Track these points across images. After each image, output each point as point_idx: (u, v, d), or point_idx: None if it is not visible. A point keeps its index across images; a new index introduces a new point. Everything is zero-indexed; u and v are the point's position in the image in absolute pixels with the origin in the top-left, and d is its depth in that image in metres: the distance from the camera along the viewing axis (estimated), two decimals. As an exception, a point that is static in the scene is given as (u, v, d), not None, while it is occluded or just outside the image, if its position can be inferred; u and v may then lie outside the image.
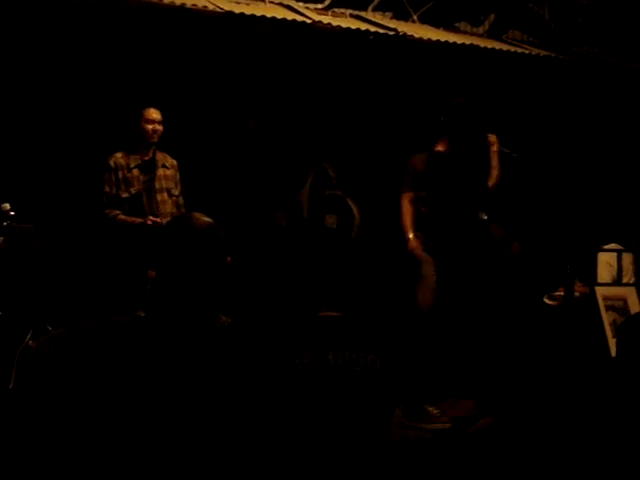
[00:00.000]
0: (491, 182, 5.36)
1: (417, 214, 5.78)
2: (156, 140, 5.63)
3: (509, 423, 2.35)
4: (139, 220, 5.47)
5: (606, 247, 6.38)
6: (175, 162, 5.78)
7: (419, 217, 5.76)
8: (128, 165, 5.58)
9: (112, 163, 5.56)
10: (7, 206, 4.80)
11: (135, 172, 5.58)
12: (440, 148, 5.38)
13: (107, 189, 5.55)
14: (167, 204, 5.67)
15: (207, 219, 2.34)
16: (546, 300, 6.29)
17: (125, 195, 5.55)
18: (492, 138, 5.46)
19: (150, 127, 5.59)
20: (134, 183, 5.57)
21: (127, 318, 2.48)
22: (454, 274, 5.35)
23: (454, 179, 5.33)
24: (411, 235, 5.92)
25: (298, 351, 2.28)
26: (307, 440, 2.19)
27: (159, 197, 5.64)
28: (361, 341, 2.37)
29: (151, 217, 5.47)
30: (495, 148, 5.44)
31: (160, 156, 5.71)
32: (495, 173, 5.39)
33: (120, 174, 5.56)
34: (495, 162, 5.41)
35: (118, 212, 5.50)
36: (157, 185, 5.65)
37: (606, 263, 6.32)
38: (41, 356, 2.49)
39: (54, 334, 2.55)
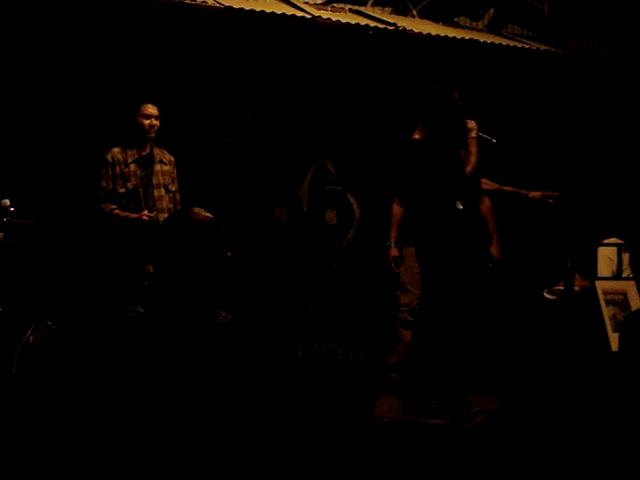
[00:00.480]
0: (468, 168, 5.28)
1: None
2: (153, 135, 5.63)
3: (508, 418, 2.34)
4: (134, 215, 5.48)
5: (606, 241, 6.39)
6: (172, 158, 5.78)
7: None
8: (125, 160, 5.58)
9: (109, 158, 5.56)
10: (7, 202, 4.79)
11: (132, 167, 5.59)
12: (417, 136, 5.33)
13: (104, 184, 5.55)
14: (164, 200, 5.67)
15: (207, 214, 2.31)
16: (546, 294, 6.29)
17: (122, 190, 5.55)
18: (471, 124, 5.37)
19: (147, 122, 5.59)
20: (131, 178, 5.57)
21: (126, 314, 2.47)
22: (436, 266, 5.29)
23: (431, 167, 5.26)
24: (391, 242, 5.99)
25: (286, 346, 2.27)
26: (294, 433, 2.19)
27: (156, 193, 5.64)
28: (331, 333, 2.35)
29: (146, 212, 5.47)
30: (473, 134, 5.34)
31: (157, 152, 5.71)
32: (472, 159, 5.30)
33: (117, 169, 5.56)
34: (473, 148, 5.32)
35: (114, 207, 5.50)
36: (154, 181, 5.65)
37: (606, 257, 6.32)
38: (38, 353, 2.49)
39: (52, 330, 2.54)
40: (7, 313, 4.32)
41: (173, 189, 5.74)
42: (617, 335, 5.16)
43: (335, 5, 7.03)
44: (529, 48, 7.33)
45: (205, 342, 2.14)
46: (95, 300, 2.48)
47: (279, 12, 6.20)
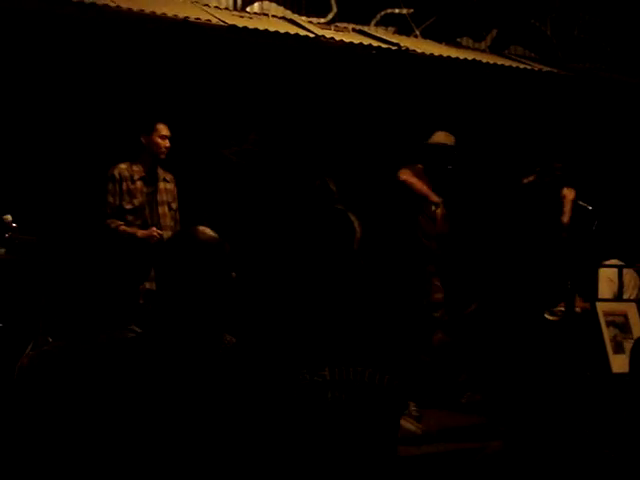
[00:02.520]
0: (565, 218, 6.34)
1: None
2: (164, 156, 5.67)
3: (520, 448, 2.32)
4: (142, 232, 5.49)
5: (607, 263, 6.38)
6: (173, 177, 5.80)
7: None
8: (132, 177, 5.60)
9: (117, 174, 5.57)
10: (9, 217, 4.80)
11: (139, 184, 5.60)
12: (404, 176, 5.74)
13: (110, 199, 5.56)
14: (167, 217, 5.69)
15: (212, 233, 2.28)
16: (547, 315, 6.29)
17: (129, 206, 5.56)
18: (566, 192, 6.39)
19: (162, 142, 5.64)
20: (137, 195, 5.58)
21: (123, 334, 2.45)
22: None
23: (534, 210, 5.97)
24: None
25: (295, 367, 2.26)
26: (305, 457, 2.17)
27: (160, 210, 5.66)
28: (359, 355, 2.35)
29: (155, 229, 5.49)
30: (571, 198, 6.34)
31: (160, 170, 5.73)
32: (567, 212, 6.27)
33: (124, 185, 5.57)
34: (567, 208, 6.31)
35: (121, 223, 5.51)
36: (159, 198, 5.67)
37: (607, 279, 6.32)
38: (30, 374, 2.47)
39: (44, 351, 2.53)
40: (7, 329, 4.32)
41: (175, 207, 5.76)
42: (617, 357, 5.16)
43: (339, 25, 7.06)
44: (531, 69, 7.35)
45: (209, 365, 2.12)
46: (93, 318, 2.48)
47: (283, 31, 6.22)
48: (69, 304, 2.65)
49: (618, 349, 5.34)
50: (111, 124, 6.00)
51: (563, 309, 6.06)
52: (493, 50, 7.78)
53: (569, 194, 6.49)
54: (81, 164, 5.92)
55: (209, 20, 6.02)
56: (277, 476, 2.09)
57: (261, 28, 6.14)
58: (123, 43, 5.98)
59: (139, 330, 2.47)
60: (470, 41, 7.76)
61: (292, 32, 6.30)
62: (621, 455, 2.43)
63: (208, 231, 2.27)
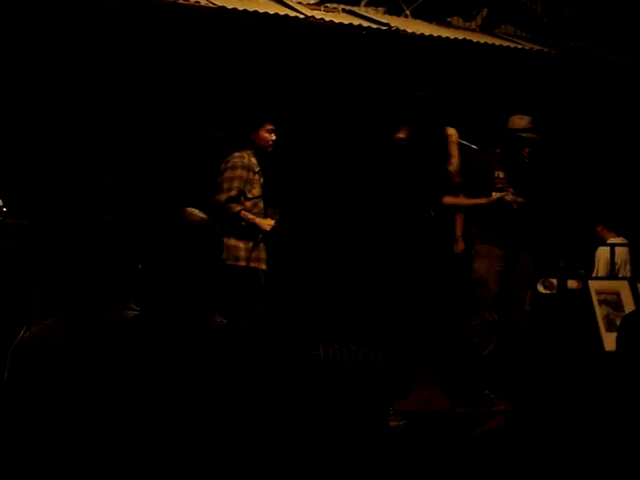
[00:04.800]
0: (452, 168, 5.47)
1: None
2: (271, 149, 5.84)
3: (526, 421, 2.31)
4: (260, 220, 5.67)
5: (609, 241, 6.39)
6: None
7: None
8: (252, 168, 5.73)
9: (245, 161, 5.71)
10: (0, 202, 4.78)
11: (257, 176, 5.77)
12: (401, 135, 5.44)
13: (236, 184, 5.65)
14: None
15: (201, 214, 2.26)
16: (540, 288, 6.30)
17: (250, 195, 5.71)
18: (451, 131, 5.54)
19: (270, 137, 5.79)
20: (255, 186, 5.74)
21: (122, 313, 2.46)
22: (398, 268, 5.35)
23: (413, 166, 5.37)
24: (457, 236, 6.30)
25: (289, 346, 2.26)
26: (300, 435, 2.19)
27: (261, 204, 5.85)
28: (352, 334, 2.35)
29: (271, 221, 5.72)
30: (454, 139, 5.53)
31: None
32: (455, 161, 5.48)
33: (249, 174, 5.72)
34: (454, 151, 5.50)
35: (242, 207, 5.64)
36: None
37: (599, 257, 6.34)
38: (33, 346, 2.48)
39: (47, 324, 2.54)
40: None
41: None
42: (610, 335, 5.18)
43: (328, 5, 7.02)
44: (522, 48, 7.34)
45: (201, 346, 2.12)
46: (87, 298, 2.49)
47: (272, 12, 6.20)
48: (62, 287, 2.65)
49: (610, 327, 5.37)
50: (101, 110, 5.98)
51: (556, 282, 6.08)
52: (484, 29, 7.76)
53: (454, 133, 5.58)
54: (71, 148, 5.90)
55: (198, 2, 5.99)
56: (273, 455, 2.09)
57: (250, 9, 6.11)
58: (111, 26, 5.94)
59: (137, 308, 2.48)
60: (461, 20, 7.74)
61: (282, 13, 6.27)
62: (611, 430, 2.44)
63: (197, 212, 2.25)
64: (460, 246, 6.23)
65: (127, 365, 2.12)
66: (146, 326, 2.18)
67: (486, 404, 5.34)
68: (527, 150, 5.85)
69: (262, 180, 5.83)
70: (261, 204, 5.80)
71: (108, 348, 2.17)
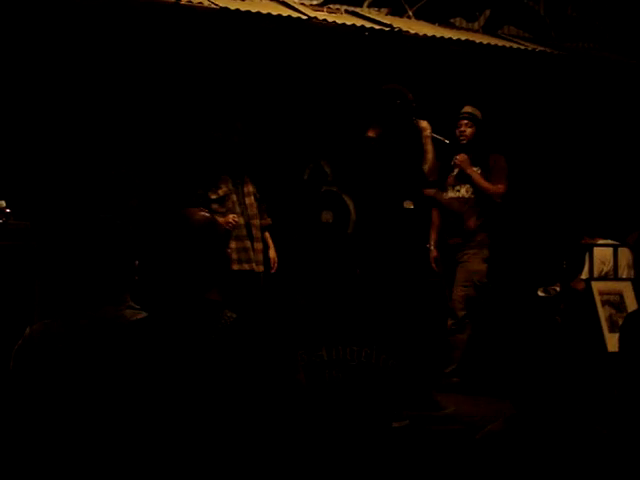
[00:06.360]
0: (426, 166, 5.30)
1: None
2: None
3: (526, 425, 2.31)
4: (220, 219, 5.60)
5: (602, 242, 6.39)
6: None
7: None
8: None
9: None
10: (3, 203, 4.78)
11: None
12: (371, 134, 5.31)
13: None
14: (254, 207, 6.04)
15: (204, 213, 2.33)
16: (540, 292, 6.30)
17: (214, 196, 5.84)
18: (423, 124, 5.35)
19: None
20: (222, 185, 5.94)
21: (121, 310, 2.47)
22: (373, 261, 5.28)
23: (385, 164, 5.28)
24: (431, 244, 6.43)
25: (293, 347, 2.26)
26: (303, 435, 2.18)
27: (247, 200, 6.01)
28: (355, 335, 2.35)
29: (232, 216, 5.80)
30: (427, 133, 5.34)
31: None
32: (429, 157, 5.31)
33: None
34: (429, 147, 5.32)
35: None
36: (245, 190, 6.06)
37: (602, 258, 6.33)
38: (34, 343, 2.49)
39: (48, 322, 2.55)
40: (2, 315, 4.31)
41: (259, 197, 6.17)
42: (613, 335, 5.18)
43: (331, 6, 7.02)
44: (525, 49, 7.33)
45: (209, 341, 2.13)
46: (87, 295, 2.50)
47: (275, 13, 6.20)
48: (62, 285, 2.68)
49: (613, 328, 5.36)
50: (102, 109, 5.98)
51: (557, 287, 6.07)
52: (486, 30, 7.76)
53: (427, 127, 5.37)
54: (74, 149, 5.90)
55: (201, 3, 5.99)
56: (276, 454, 2.09)
57: (253, 10, 6.11)
58: (112, 26, 5.94)
59: (136, 305, 2.51)
60: (463, 21, 7.74)
61: (284, 14, 6.27)
62: (614, 431, 2.44)
63: (199, 211, 2.31)
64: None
65: (132, 362, 2.13)
66: (152, 324, 2.19)
67: (435, 408, 5.20)
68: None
69: (243, 178, 5.99)
70: (231, 202, 5.89)
71: (111, 346, 2.18)
